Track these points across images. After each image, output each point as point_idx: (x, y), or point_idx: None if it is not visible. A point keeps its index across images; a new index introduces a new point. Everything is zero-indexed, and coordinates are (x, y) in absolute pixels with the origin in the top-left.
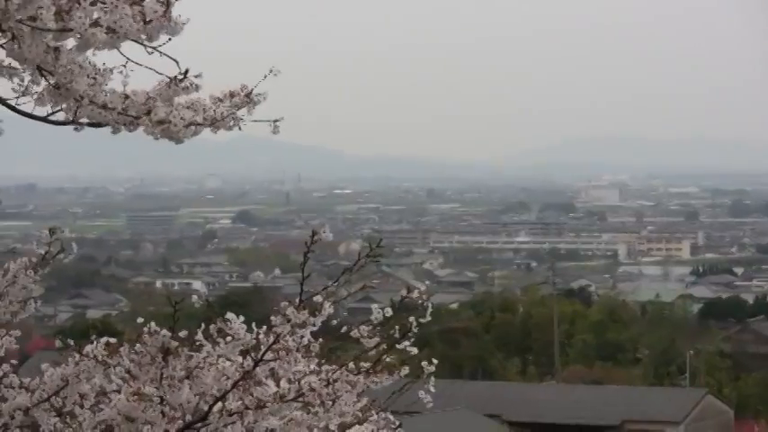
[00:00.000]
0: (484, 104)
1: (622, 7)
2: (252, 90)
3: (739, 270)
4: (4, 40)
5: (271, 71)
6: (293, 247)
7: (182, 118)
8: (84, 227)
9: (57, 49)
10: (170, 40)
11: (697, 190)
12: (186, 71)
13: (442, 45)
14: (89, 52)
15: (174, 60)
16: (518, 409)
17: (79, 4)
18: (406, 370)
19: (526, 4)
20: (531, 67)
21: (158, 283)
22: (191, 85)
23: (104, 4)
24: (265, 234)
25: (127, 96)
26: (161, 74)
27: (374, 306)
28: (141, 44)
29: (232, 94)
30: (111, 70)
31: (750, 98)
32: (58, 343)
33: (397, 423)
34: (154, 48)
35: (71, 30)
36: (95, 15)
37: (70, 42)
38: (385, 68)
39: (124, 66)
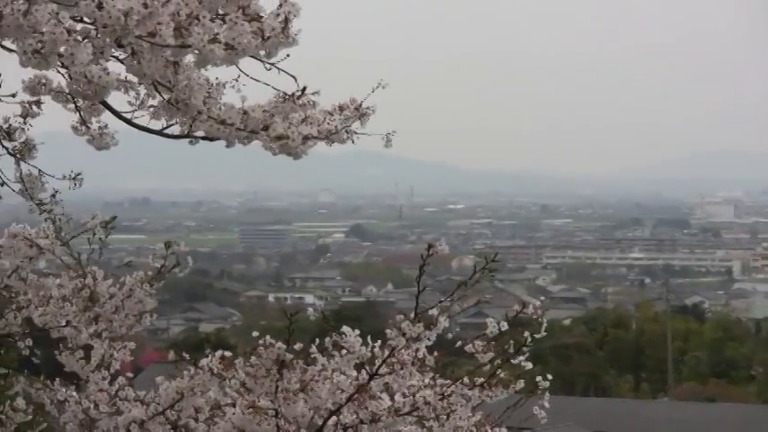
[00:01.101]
0: (597, 118)
1: (737, 16)
2: (361, 103)
3: None
4: (123, 56)
5: (379, 84)
6: (406, 261)
7: (299, 133)
8: (198, 240)
9: (176, 65)
10: (288, 56)
11: None
12: (304, 88)
13: (556, 55)
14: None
15: (293, 77)
16: (630, 425)
17: (198, 20)
18: (520, 384)
19: (641, 16)
20: (647, 80)
21: (271, 297)
22: (308, 102)
23: (224, 20)
24: (378, 248)
25: (245, 112)
26: (276, 89)
27: (489, 320)
28: (260, 60)
29: (341, 108)
30: (225, 84)
31: None
32: (171, 356)
33: None
34: (272, 64)
35: (190, 46)
36: (214, 31)
37: (188, 57)
38: (499, 78)
39: (236, 80)
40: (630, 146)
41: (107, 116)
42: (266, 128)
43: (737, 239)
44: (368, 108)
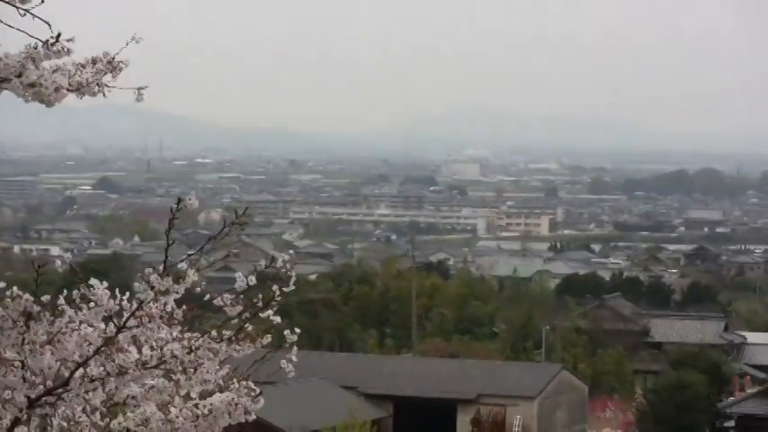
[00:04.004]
0: (348, 74)
1: None
2: (114, 57)
3: (597, 247)
4: None
5: (133, 38)
6: (153, 214)
7: (53, 81)
8: None
9: None
10: (43, 2)
11: (557, 167)
12: (59, 35)
13: (313, 16)
14: None
15: (47, 23)
16: (374, 381)
17: None
18: (267, 339)
19: None
20: (398, 42)
21: (16, 249)
22: (62, 49)
23: None
24: (126, 202)
25: None
26: (31, 35)
27: (238, 274)
28: (13, 6)
29: (94, 61)
30: None
31: (612, 78)
32: None
33: (258, 391)
34: (26, 10)
35: None
36: None
37: None
38: (256, 39)
39: None
40: (379, 103)
41: None
42: (19, 75)
43: (483, 198)
44: (120, 62)
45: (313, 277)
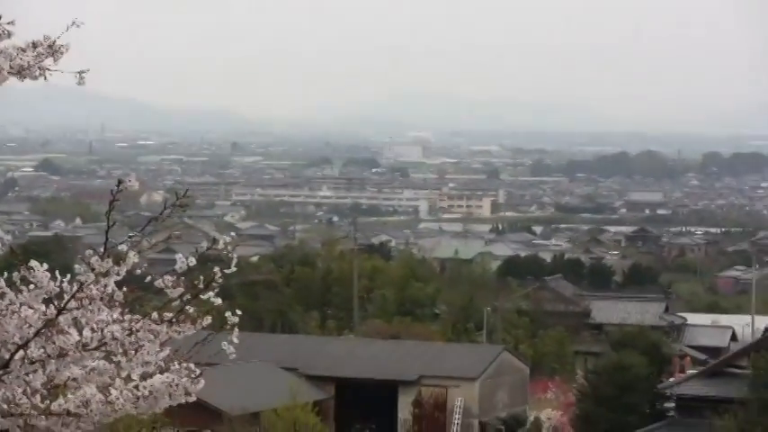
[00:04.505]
0: (290, 59)
1: None
2: (55, 41)
3: (538, 229)
4: None
5: (74, 22)
6: (95, 196)
7: None
8: None
9: None
10: None
11: (499, 148)
12: None
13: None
14: None
15: None
16: (316, 362)
17: None
18: (208, 320)
19: None
20: (339, 25)
21: None
22: (3, 32)
23: None
24: (68, 183)
25: None
26: None
27: (178, 256)
28: None
29: (35, 45)
30: None
31: (553, 60)
32: None
33: (198, 373)
34: None
35: None
36: None
37: None
38: (197, 21)
39: None
40: (321, 86)
41: None
42: None
43: (425, 180)
44: (61, 46)
45: (255, 259)
